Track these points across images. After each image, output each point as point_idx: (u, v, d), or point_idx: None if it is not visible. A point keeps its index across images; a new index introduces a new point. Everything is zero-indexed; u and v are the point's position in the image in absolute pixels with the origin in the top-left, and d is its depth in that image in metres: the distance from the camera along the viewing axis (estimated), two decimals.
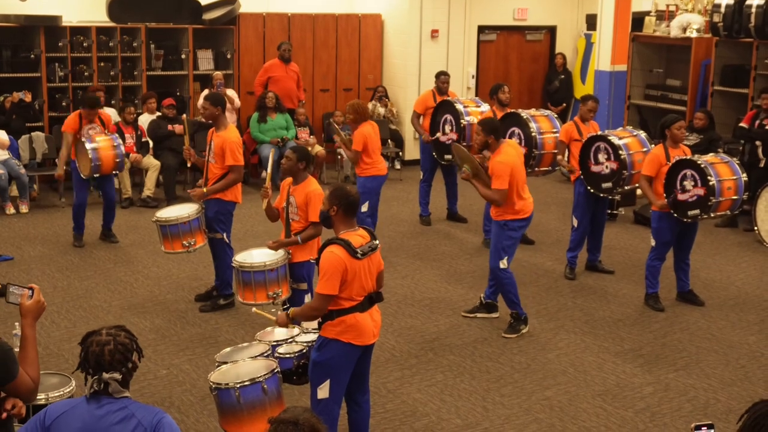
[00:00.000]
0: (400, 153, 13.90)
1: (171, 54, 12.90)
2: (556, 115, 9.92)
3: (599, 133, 9.03)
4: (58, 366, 6.42)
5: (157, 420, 3.33)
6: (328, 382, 5.07)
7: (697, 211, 7.82)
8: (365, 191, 9.05)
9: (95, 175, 9.46)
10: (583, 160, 8.86)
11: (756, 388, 6.54)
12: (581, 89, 14.63)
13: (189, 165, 8.43)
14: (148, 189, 11.57)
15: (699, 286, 8.55)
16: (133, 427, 3.30)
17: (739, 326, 7.78)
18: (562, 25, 15.32)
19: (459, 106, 10.35)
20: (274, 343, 5.44)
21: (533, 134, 9.37)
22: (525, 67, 15.25)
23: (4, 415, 3.68)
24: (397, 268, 9.09)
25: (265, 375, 4.99)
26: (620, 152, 8.61)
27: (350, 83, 14.17)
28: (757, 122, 10.68)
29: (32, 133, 11.77)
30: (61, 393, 4.54)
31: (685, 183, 7.84)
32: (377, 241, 5.13)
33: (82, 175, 9.52)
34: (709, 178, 7.75)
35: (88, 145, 9.34)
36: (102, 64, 12.33)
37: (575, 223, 9.04)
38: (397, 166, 13.58)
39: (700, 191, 7.78)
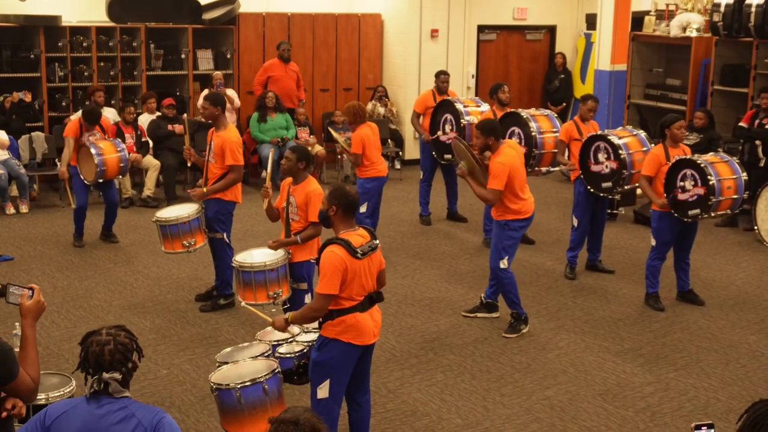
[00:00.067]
0: (400, 153, 13.90)
1: (171, 54, 12.91)
2: (556, 115, 9.92)
3: (599, 132, 9.03)
4: (58, 366, 6.42)
5: (158, 420, 3.33)
6: (328, 382, 5.07)
7: (697, 211, 7.82)
8: (364, 192, 9.05)
9: (100, 180, 9.47)
10: (583, 160, 8.86)
11: (756, 388, 6.54)
12: (581, 89, 14.63)
13: (189, 165, 8.43)
14: (148, 189, 11.57)
15: (699, 286, 8.55)
16: (133, 427, 3.30)
17: (739, 326, 7.78)
18: (562, 25, 15.32)
19: (459, 106, 10.35)
20: (275, 343, 5.44)
21: (533, 134, 9.37)
22: (525, 66, 15.25)
23: (4, 414, 3.68)
24: (398, 267, 9.09)
25: (265, 375, 4.99)
26: (620, 152, 8.61)
27: (350, 83, 14.17)
28: (757, 121, 10.68)
29: (32, 133, 11.77)
30: (62, 393, 4.54)
31: (685, 182, 7.84)
32: (377, 241, 5.13)
33: (86, 182, 9.54)
34: (709, 177, 7.75)
35: (93, 150, 9.34)
36: (102, 64, 12.33)
37: (575, 222, 9.04)
38: (397, 165, 13.58)
39: (700, 191, 7.78)
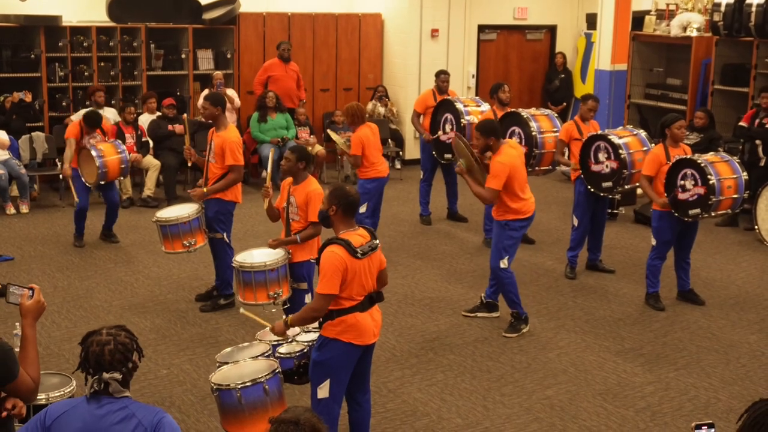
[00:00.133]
0: (401, 152, 13.90)
1: (171, 54, 12.91)
2: (556, 115, 9.92)
3: (599, 132, 9.03)
4: (58, 366, 6.42)
5: (158, 420, 3.33)
6: (328, 382, 5.07)
7: (697, 210, 7.82)
8: (365, 192, 9.05)
9: (101, 183, 9.47)
10: (584, 160, 8.86)
11: (756, 387, 6.54)
12: (581, 88, 14.63)
13: (189, 164, 8.43)
14: (149, 189, 11.57)
15: (699, 285, 8.55)
16: (133, 427, 3.30)
17: (739, 325, 7.78)
18: (563, 25, 15.32)
19: (459, 106, 10.35)
20: (275, 343, 5.43)
21: (533, 133, 9.37)
22: (525, 66, 15.25)
23: (4, 414, 3.68)
24: (398, 267, 9.08)
25: (266, 375, 4.99)
26: (620, 151, 8.61)
27: (350, 83, 14.17)
28: (757, 121, 10.68)
29: (32, 133, 11.77)
30: (62, 393, 4.54)
31: (685, 182, 7.84)
32: (377, 241, 5.13)
33: (87, 184, 9.54)
34: (709, 177, 7.75)
35: (94, 152, 9.35)
36: (102, 63, 12.33)
37: (575, 222, 9.04)
38: (398, 165, 13.58)
39: (701, 190, 7.77)
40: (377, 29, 14.28)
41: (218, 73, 12.44)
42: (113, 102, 12.30)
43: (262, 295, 6.60)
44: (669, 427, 5.98)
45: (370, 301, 5.12)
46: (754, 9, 11.32)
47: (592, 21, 14.28)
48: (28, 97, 11.85)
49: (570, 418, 6.07)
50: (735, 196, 7.96)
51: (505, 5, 14.68)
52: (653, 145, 8.52)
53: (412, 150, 13.77)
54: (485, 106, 10.34)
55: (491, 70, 14.83)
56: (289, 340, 5.43)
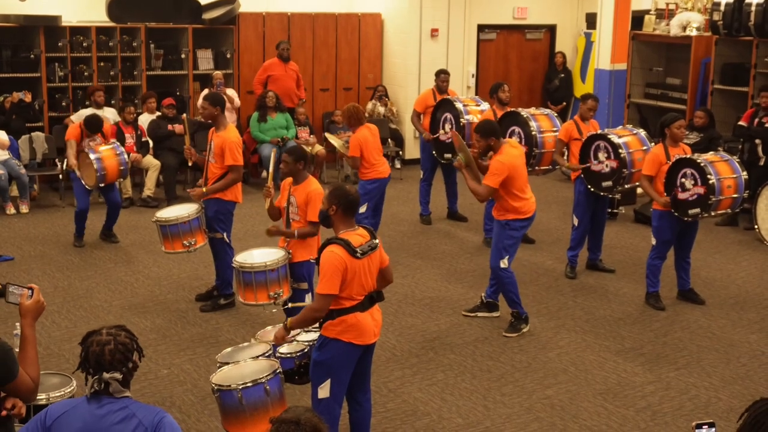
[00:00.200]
0: (401, 152, 13.90)
1: (171, 54, 12.91)
2: (556, 114, 9.92)
3: (599, 131, 9.03)
4: (58, 366, 6.42)
5: (158, 419, 3.32)
6: (328, 382, 5.07)
7: (697, 210, 7.82)
8: (365, 193, 9.06)
9: (101, 185, 9.46)
10: (584, 159, 8.86)
11: (757, 387, 6.54)
12: (581, 88, 14.63)
13: (190, 164, 8.42)
14: (149, 189, 11.57)
15: (700, 285, 8.55)
16: (133, 427, 3.30)
17: (739, 325, 7.78)
18: (562, 24, 15.32)
19: (459, 105, 10.35)
20: (275, 343, 5.43)
21: (533, 133, 9.37)
22: (525, 65, 15.25)
23: (4, 413, 3.67)
24: (398, 267, 9.08)
25: (267, 375, 4.98)
26: (620, 151, 8.61)
27: (350, 82, 14.17)
28: (756, 120, 10.68)
29: (32, 134, 11.77)
30: (62, 393, 4.53)
31: (685, 182, 7.84)
32: (377, 240, 5.13)
33: (87, 187, 9.54)
34: (709, 176, 7.74)
35: (92, 155, 9.35)
36: (102, 64, 12.33)
37: (576, 221, 9.04)
38: (398, 165, 13.57)
39: (700, 190, 7.77)
40: (377, 29, 14.28)
41: (218, 73, 12.44)
42: (113, 102, 12.29)
43: (262, 295, 6.60)
44: (669, 426, 5.98)
45: (371, 301, 5.12)
46: (753, 8, 11.32)
47: (591, 20, 14.28)
48: (28, 97, 11.85)
49: (570, 418, 6.07)
50: (735, 195, 7.96)
51: (505, 5, 14.68)
52: (653, 144, 8.52)
53: (412, 150, 13.77)
54: (485, 105, 10.34)
55: (491, 69, 14.83)
56: (290, 340, 5.43)
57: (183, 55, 12.90)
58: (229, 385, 4.94)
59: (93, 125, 9.68)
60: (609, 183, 8.74)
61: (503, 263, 7.39)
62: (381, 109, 13.76)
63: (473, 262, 9.38)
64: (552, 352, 7.16)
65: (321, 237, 6.54)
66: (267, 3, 13.74)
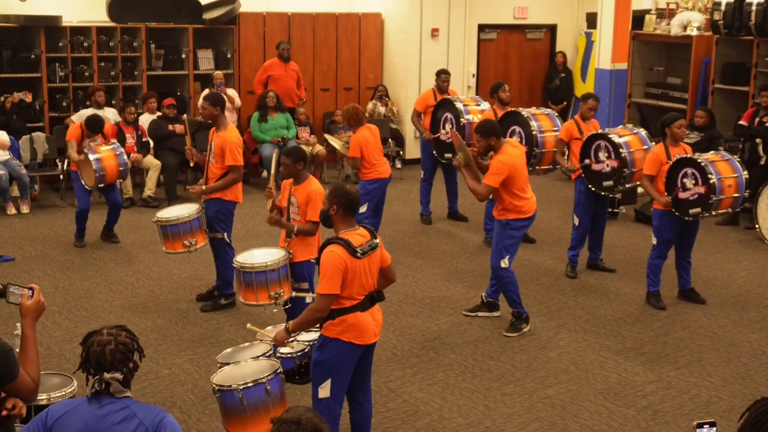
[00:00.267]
0: (401, 152, 13.90)
1: (171, 54, 12.91)
2: (556, 114, 9.92)
3: (600, 131, 9.03)
4: (59, 366, 6.43)
5: (159, 419, 3.32)
6: (329, 382, 5.06)
7: (698, 210, 7.82)
8: (365, 193, 9.06)
9: (100, 185, 9.47)
10: (584, 159, 8.85)
11: (758, 386, 6.53)
12: (582, 87, 14.63)
13: (192, 165, 8.41)
14: (149, 189, 11.57)
15: (700, 284, 8.54)
16: (134, 427, 3.30)
17: (740, 324, 7.78)
18: (563, 24, 15.32)
19: (459, 105, 10.34)
20: (276, 345, 5.42)
21: (534, 132, 9.37)
22: (525, 65, 15.25)
23: (4, 412, 3.67)
24: (398, 267, 9.06)
25: (268, 376, 4.98)
26: (621, 150, 8.61)
27: (351, 82, 14.17)
28: (757, 119, 10.68)
29: (33, 134, 11.77)
30: (63, 393, 4.53)
31: (685, 181, 7.84)
32: (377, 240, 5.12)
33: (86, 187, 9.54)
34: (709, 176, 7.74)
35: (91, 156, 9.35)
36: (102, 64, 12.33)
37: (576, 221, 9.04)
38: (398, 165, 13.58)
39: (701, 189, 7.77)
40: (377, 29, 14.28)
41: (218, 73, 12.44)
42: (113, 102, 12.30)
43: (263, 295, 6.60)
44: (670, 426, 5.98)
45: (371, 301, 5.11)
46: (754, 8, 11.32)
47: (592, 20, 14.28)
48: (29, 98, 11.85)
49: (571, 417, 6.07)
50: (735, 195, 7.95)
51: (505, 5, 14.68)
52: (653, 143, 8.51)
53: (413, 149, 13.77)
54: (485, 105, 10.34)
55: (491, 69, 14.83)
56: (290, 340, 5.43)
57: (183, 55, 12.91)
58: (230, 386, 4.94)
59: (94, 125, 9.69)
60: (610, 182, 8.74)
61: (504, 263, 7.38)
62: (381, 109, 13.76)
63: (474, 261, 9.38)
64: (553, 351, 7.16)
65: (321, 237, 6.54)
66: (267, 3, 13.75)
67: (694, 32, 12.37)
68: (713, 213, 7.95)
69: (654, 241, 8.13)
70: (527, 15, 14.91)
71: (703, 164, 7.80)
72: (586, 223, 9.00)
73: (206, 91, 11.26)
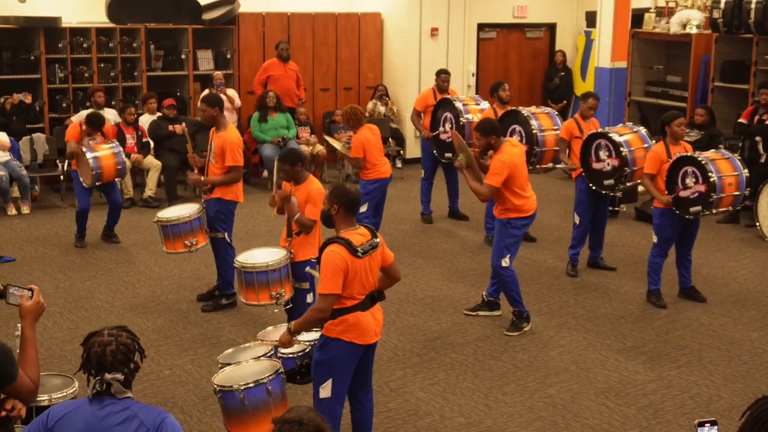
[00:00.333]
0: (401, 151, 13.90)
1: (171, 54, 12.91)
2: (556, 113, 9.92)
3: (600, 130, 9.03)
4: (60, 367, 6.43)
5: (160, 420, 3.32)
6: (330, 382, 5.06)
7: (698, 208, 7.81)
8: (366, 193, 9.06)
9: (98, 184, 9.46)
10: (584, 158, 8.86)
11: (759, 385, 6.53)
12: (581, 86, 14.62)
13: (195, 171, 8.36)
14: (150, 189, 11.58)
15: (701, 283, 8.54)
16: (135, 428, 3.30)
17: (741, 323, 7.78)
18: (562, 23, 15.32)
19: (458, 104, 10.34)
20: (277, 343, 5.42)
21: (534, 131, 9.36)
22: (525, 64, 15.25)
23: (3, 413, 3.67)
24: (399, 266, 9.01)
25: (269, 376, 4.98)
26: (621, 149, 8.61)
27: (350, 82, 14.17)
28: (757, 117, 10.68)
29: (33, 135, 11.78)
30: (64, 394, 4.53)
31: (686, 180, 7.84)
32: (378, 239, 5.12)
33: (84, 185, 9.54)
34: (710, 174, 7.74)
35: (89, 155, 9.35)
36: (102, 65, 12.33)
37: (577, 220, 9.04)
38: (398, 164, 13.58)
39: (702, 188, 7.77)
40: (377, 28, 14.28)
41: (218, 74, 12.44)
42: (113, 103, 12.30)
43: (264, 295, 6.60)
44: (671, 424, 5.97)
45: (372, 300, 5.11)
46: (753, 6, 11.32)
47: (591, 19, 14.28)
48: (28, 99, 11.86)
49: (572, 417, 6.07)
50: (736, 193, 7.95)
51: (505, 4, 14.67)
52: (653, 142, 8.51)
53: (413, 149, 13.77)
54: (484, 104, 10.34)
55: (491, 68, 14.82)
56: (295, 342, 5.42)
57: (183, 56, 12.91)
58: (231, 386, 4.94)
59: (94, 123, 9.67)
60: (610, 181, 8.74)
61: (505, 262, 7.38)
62: (381, 109, 13.76)
63: (474, 261, 9.38)
64: (553, 350, 7.16)
65: (322, 237, 6.54)
66: (267, 3, 13.75)
67: (694, 30, 12.36)
68: (714, 211, 7.95)
69: (654, 239, 8.13)
70: (527, 14, 14.91)
71: (703, 162, 7.80)
72: (587, 222, 9.00)
73: (206, 91, 11.27)
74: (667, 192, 7.90)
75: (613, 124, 12.04)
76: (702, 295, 8.28)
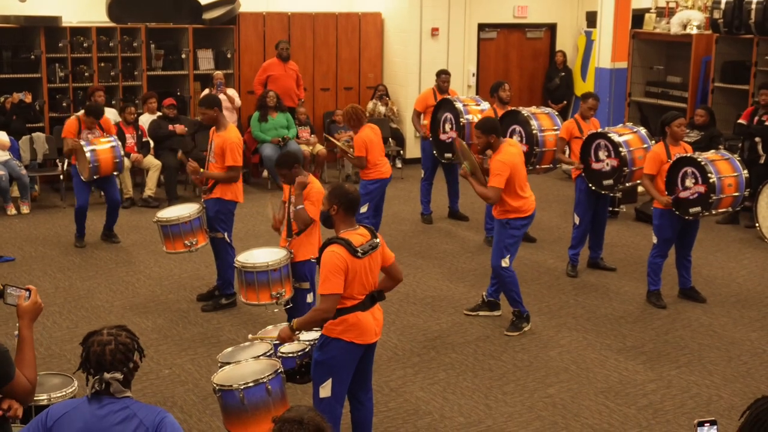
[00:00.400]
0: (401, 152, 13.90)
1: (171, 54, 12.91)
2: (556, 113, 9.92)
3: (600, 130, 9.03)
4: (60, 366, 6.43)
5: (159, 419, 3.32)
6: (330, 381, 5.06)
7: (698, 209, 7.81)
8: (366, 193, 9.07)
9: (95, 177, 9.45)
10: (584, 158, 8.86)
11: (758, 385, 6.53)
12: (582, 86, 14.62)
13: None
14: (150, 189, 11.57)
15: (701, 283, 8.54)
16: (134, 427, 3.30)
17: (741, 323, 7.78)
18: (562, 23, 15.32)
19: (458, 105, 10.33)
20: (277, 342, 5.42)
21: (534, 132, 9.36)
22: (525, 64, 15.25)
23: (0, 412, 3.67)
24: (400, 266, 9.06)
25: (268, 375, 4.98)
26: (621, 149, 8.61)
27: (351, 82, 14.17)
28: (756, 118, 10.67)
29: (33, 134, 11.78)
30: (64, 393, 4.53)
31: (686, 180, 7.84)
32: (378, 240, 5.12)
33: (82, 178, 9.53)
34: (709, 175, 7.74)
35: (86, 148, 9.34)
36: (102, 64, 12.33)
37: (576, 220, 9.04)
38: (398, 164, 13.58)
39: (701, 188, 7.77)
40: (377, 28, 14.28)
41: (218, 73, 12.44)
42: (113, 102, 12.30)
43: (264, 295, 6.60)
44: (671, 424, 5.98)
45: (372, 300, 5.11)
46: (753, 6, 11.32)
47: (592, 19, 14.28)
48: (28, 98, 11.86)
49: (572, 416, 6.07)
50: (736, 194, 7.95)
51: (505, 4, 14.68)
52: (653, 142, 8.51)
53: (413, 149, 13.76)
54: (485, 105, 10.33)
55: (491, 68, 14.82)
56: (295, 339, 5.42)
57: (183, 55, 12.91)
58: (231, 385, 4.94)
59: (93, 111, 9.62)
60: (610, 181, 8.74)
61: (504, 262, 7.38)
62: (382, 109, 13.76)
63: (474, 261, 9.38)
64: (553, 350, 7.16)
65: (322, 237, 6.55)
66: (267, 3, 13.75)
67: (694, 31, 12.37)
68: (713, 212, 7.95)
69: (654, 239, 8.13)
70: (527, 14, 14.91)
71: (703, 163, 7.80)
72: (587, 222, 9.00)
73: (206, 91, 11.26)
74: (666, 193, 7.90)
75: (614, 124, 12.04)
76: (702, 296, 8.28)
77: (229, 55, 13.18)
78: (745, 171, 8.06)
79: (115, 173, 9.70)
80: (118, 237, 9.92)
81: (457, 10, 14.12)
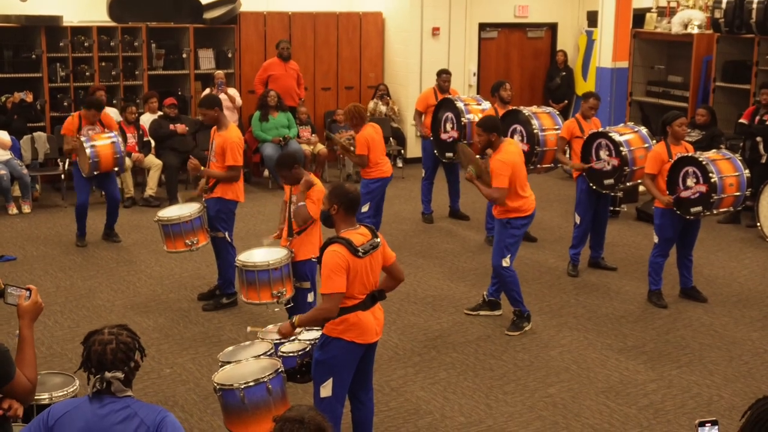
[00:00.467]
0: (402, 151, 13.90)
1: (172, 53, 12.91)
2: (557, 112, 9.91)
3: (600, 129, 9.03)
4: (61, 366, 6.43)
5: (160, 419, 3.32)
6: (330, 381, 5.06)
7: (699, 208, 7.81)
8: (367, 192, 9.07)
9: (95, 173, 9.45)
10: (585, 157, 8.86)
11: (759, 385, 6.53)
12: (583, 86, 14.62)
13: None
14: (151, 188, 11.58)
15: (702, 283, 8.54)
16: (135, 426, 3.30)
17: (742, 323, 7.77)
18: (563, 22, 15.32)
19: (459, 104, 10.33)
20: (277, 342, 5.43)
21: (535, 131, 9.36)
22: (526, 64, 15.25)
23: (0, 412, 3.67)
24: (400, 266, 9.06)
25: (269, 375, 4.98)
26: (621, 149, 8.61)
27: (351, 81, 14.17)
28: (757, 118, 10.67)
29: (34, 134, 11.79)
30: (65, 392, 4.53)
31: (687, 180, 7.84)
32: (378, 239, 5.12)
33: (82, 174, 9.52)
34: (710, 175, 7.74)
35: (86, 144, 9.34)
36: (103, 63, 12.33)
37: (577, 220, 9.03)
38: (399, 164, 13.58)
39: (702, 188, 7.77)
40: (378, 28, 14.28)
41: (219, 73, 12.45)
42: (114, 102, 12.30)
43: (265, 294, 6.60)
44: (672, 424, 5.97)
45: (372, 300, 5.11)
46: (755, 6, 11.32)
47: (593, 18, 14.28)
48: (30, 98, 11.86)
49: (573, 416, 6.07)
50: (737, 193, 7.95)
51: (506, 3, 14.67)
52: (654, 142, 8.51)
53: (414, 148, 13.77)
54: (486, 104, 10.33)
55: (492, 68, 14.82)
56: (292, 338, 5.42)
57: (184, 55, 12.91)
58: (232, 385, 4.94)
59: (93, 104, 9.61)
60: (611, 181, 8.74)
61: (505, 262, 7.38)
62: (383, 108, 13.76)
63: (475, 260, 9.38)
64: (554, 350, 7.16)
65: (322, 237, 6.55)
66: (268, 2, 13.75)
67: (695, 30, 12.36)
68: (714, 212, 7.95)
69: (655, 239, 8.13)
70: (528, 14, 14.91)
71: (704, 163, 7.79)
72: (588, 222, 9.00)
73: (207, 91, 11.27)
74: (668, 192, 7.90)
75: (615, 124, 12.04)
76: (703, 295, 8.27)
77: (229, 55, 13.18)
78: (747, 170, 8.05)
79: (115, 169, 9.70)
80: (119, 236, 9.93)
81: (458, 10, 14.12)
